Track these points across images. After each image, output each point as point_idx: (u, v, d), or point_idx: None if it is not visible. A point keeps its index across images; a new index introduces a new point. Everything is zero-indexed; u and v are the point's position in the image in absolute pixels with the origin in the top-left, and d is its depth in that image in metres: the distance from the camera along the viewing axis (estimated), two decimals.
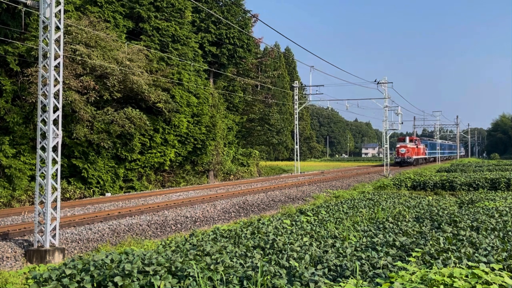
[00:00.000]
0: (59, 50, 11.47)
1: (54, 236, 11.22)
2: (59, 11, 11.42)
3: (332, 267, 7.24)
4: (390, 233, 10.51)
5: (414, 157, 59.10)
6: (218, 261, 7.36)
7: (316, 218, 14.30)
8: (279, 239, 9.79)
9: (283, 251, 8.72)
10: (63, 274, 6.92)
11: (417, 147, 60.96)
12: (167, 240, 11.68)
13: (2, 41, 21.41)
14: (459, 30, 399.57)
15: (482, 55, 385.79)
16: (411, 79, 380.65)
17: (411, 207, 16.60)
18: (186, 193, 23.44)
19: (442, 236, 9.33)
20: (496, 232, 9.88)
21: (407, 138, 60.55)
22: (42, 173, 11.40)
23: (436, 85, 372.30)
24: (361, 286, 5.59)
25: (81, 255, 11.35)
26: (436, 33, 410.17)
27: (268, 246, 9.38)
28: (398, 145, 58.85)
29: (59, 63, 11.47)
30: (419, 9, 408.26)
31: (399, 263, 6.63)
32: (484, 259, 6.94)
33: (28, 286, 7.41)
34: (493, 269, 5.95)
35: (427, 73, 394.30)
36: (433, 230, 10.67)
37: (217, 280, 6.44)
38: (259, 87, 46.70)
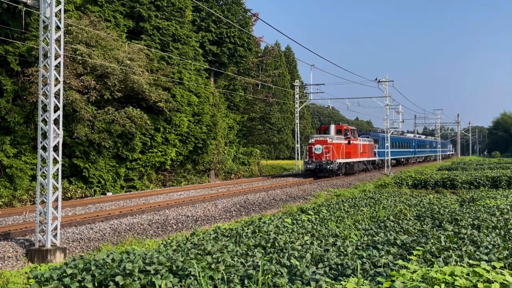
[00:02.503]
0: (60, 49, 11.46)
1: (55, 236, 11.23)
2: (60, 10, 11.41)
3: (333, 266, 7.24)
4: (391, 232, 10.51)
5: (341, 160, 33.11)
6: (219, 260, 7.36)
7: (317, 216, 14.30)
8: (280, 238, 9.80)
9: (284, 250, 8.72)
10: (64, 274, 6.93)
11: (348, 143, 34.23)
12: (168, 239, 11.69)
13: (3, 41, 21.40)
14: (459, 29, 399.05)
15: (483, 54, 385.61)
16: (412, 78, 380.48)
17: (412, 205, 16.59)
18: (187, 192, 23.45)
19: (443, 234, 9.33)
20: (497, 230, 9.87)
21: (332, 128, 34.38)
22: (43, 172, 11.40)
23: (437, 84, 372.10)
24: (362, 285, 5.58)
25: (82, 254, 11.36)
26: (436, 32, 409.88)
27: (269, 245, 9.38)
28: (311, 140, 32.89)
29: (59, 63, 11.47)
30: (421, 7, 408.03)
31: (400, 262, 6.62)
32: (485, 258, 6.93)
33: (29, 286, 7.42)
34: (494, 268, 5.94)
35: (428, 72, 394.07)
36: (434, 229, 10.67)
37: (218, 279, 6.44)
38: (259, 86, 46.67)
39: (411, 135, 65.85)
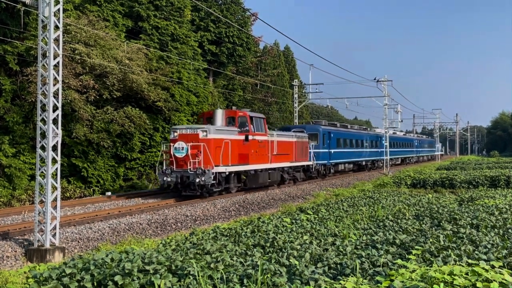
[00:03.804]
0: (58, 49, 11.45)
1: (54, 235, 11.22)
2: (58, 10, 11.40)
3: (332, 265, 7.25)
4: (390, 231, 10.52)
5: (227, 168, 20.42)
6: (218, 260, 7.36)
7: (316, 216, 14.30)
8: (279, 238, 9.80)
9: (283, 250, 8.72)
10: (63, 273, 6.92)
11: (246, 140, 21.60)
12: (168, 239, 11.69)
13: (1, 41, 21.38)
14: (459, 29, 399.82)
15: (483, 52, 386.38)
16: (411, 77, 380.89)
17: (411, 205, 16.61)
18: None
19: (442, 234, 9.34)
20: (496, 230, 9.88)
21: (219, 114, 21.93)
22: (42, 172, 11.39)
23: (437, 83, 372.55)
24: (361, 284, 5.59)
25: (81, 254, 11.36)
26: (437, 31, 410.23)
27: (268, 244, 9.39)
28: (173, 135, 20.21)
29: (58, 62, 11.46)
30: (421, 7, 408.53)
31: (399, 261, 6.63)
32: (484, 257, 6.95)
33: (28, 286, 7.42)
34: (493, 267, 5.95)
35: (428, 71, 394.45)
36: (433, 228, 10.68)
37: (217, 278, 6.44)
38: (258, 85, 46.66)
39: (382, 131, 49.53)
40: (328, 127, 34.02)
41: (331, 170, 34.02)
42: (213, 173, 19.02)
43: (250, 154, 21.70)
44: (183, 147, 19.43)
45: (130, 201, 19.82)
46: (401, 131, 67.09)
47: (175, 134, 19.94)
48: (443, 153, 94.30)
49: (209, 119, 22.01)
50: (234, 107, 25.82)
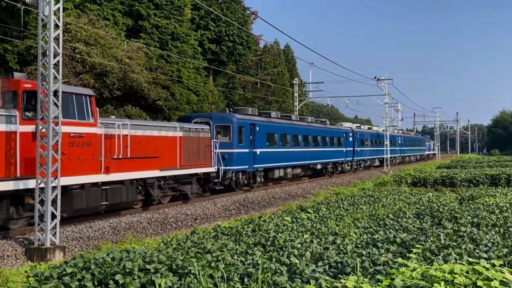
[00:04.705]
0: (58, 48, 11.44)
1: (54, 234, 11.23)
2: (58, 9, 11.39)
3: (332, 264, 7.25)
4: (391, 230, 10.52)
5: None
6: (219, 259, 7.37)
7: (316, 215, 14.31)
8: (279, 236, 9.81)
9: (284, 248, 8.72)
10: (64, 272, 6.93)
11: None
12: (168, 237, 11.69)
13: (2, 40, 21.38)
14: (459, 28, 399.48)
15: (483, 53, 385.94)
16: (411, 76, 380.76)
17: (411, 203, 16.61)
18: None
19: (442, 232, 9.34)
20: (496, 228, 9.89)
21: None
22: (42, 171, 11.38)
23: (437, 82, 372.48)
24: (362, 283, 5.59)
25: (82, 253, 11.36)
26: (437, 31, 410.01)
27: (268, 243, 9.39)
28: None
29: (58, 61, 11.44)
30: (421, 6, 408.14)
31: (399, 260, 6.63)
32: (485, 255, 6.95)
33: (29, 284, 7.42)
34: (493, 265, 5.95)
35: (428, 70, 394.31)
36: (434, 227, 10.68)
37: (218, 277, 6.45)
38: (259, 84, 46.67)
39: (350, 125, 40.98)
40: (250, 117, 23.32)
41: (258, 178, 23.64)
42: None
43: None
44: None
45: None
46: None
47: None
48: (436, 152, 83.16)
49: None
50: (18, 74, 12.50)
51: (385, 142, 43.11)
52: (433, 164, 56.29)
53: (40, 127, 11.32)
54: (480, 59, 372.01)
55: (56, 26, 11.42)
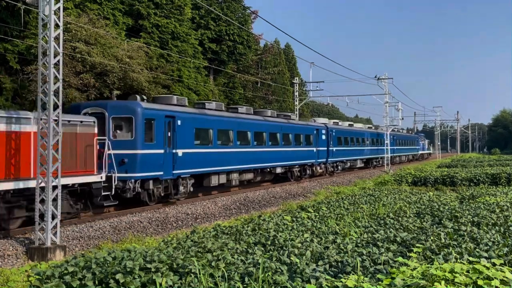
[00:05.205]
0: (59, 47, 11.45)
1: (55, 234, 11.24)
2: (58, 8, 11.39)
3: (333, 263, 7.26)
4: (391, 229, 10.53)
5: None
6: (219, 258, 7.38)
7: (317, 214, 14.31)
8: (280, 236, 9.81)
9: (284, 248, 8.73)
10: (65, 271, 6.94)
11: None
12: (169, 237, 11.71)
13: (2, 39, 21.38)
14: (459, 28, 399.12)
15: (483, 52, 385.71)
16: (411, 75, 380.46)
17: (412, 202, 16.61)
18: None
19: (443, 231, 9.35)
20: (497, 227, 9.89)
21: None
22: (43, 171, 11.39)
23: (437, 81, 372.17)
24: (362, 282, 5.59)
25: (83, 252, 11.37)
26: (436, 31, 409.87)
27: (269, 242, 9.40)
28: None
29: (58, 61, 11.45)
30: (421, 5, 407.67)
31: (400, 259, 6.64)
32: (485, 254, 6.95)
33: (29, 283, 7.43)
34: (494, 264, 5.96)
35: (428, 69, 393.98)
36: (434, 226, 10.69)
37: (219, 276, 6.45)
38: (259, 83, 46.67)
39: (326, 121, 35.69)
40: (168, 107, 17.93)
41: (182, 188, 18.19)
42: None
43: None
44: None
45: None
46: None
47: None
48: (431, 151, 77.17)
49: None
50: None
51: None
52: (434, 163, 56.28)
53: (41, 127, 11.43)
54: (481, 59, 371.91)
55: (57, 26, 11.43)
